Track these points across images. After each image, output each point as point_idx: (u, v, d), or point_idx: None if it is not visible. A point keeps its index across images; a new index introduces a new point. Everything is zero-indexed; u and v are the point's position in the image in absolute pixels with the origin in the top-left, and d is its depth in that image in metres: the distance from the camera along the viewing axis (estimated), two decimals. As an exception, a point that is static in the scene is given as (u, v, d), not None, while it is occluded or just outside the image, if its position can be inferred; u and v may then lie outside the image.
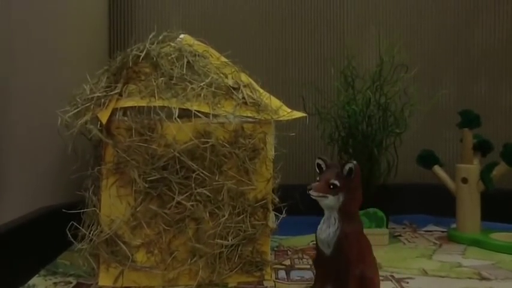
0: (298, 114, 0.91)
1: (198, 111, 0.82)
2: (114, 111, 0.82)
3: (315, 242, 0.77)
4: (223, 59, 0.94)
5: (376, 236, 1.09)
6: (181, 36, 0.96)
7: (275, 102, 0.91)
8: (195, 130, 0.82)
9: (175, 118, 0.81)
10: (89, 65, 0.91)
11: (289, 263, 0.95)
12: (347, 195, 0.72)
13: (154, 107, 0.82)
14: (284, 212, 0.88)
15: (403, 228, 1.26)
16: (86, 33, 1.19)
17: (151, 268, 0.82)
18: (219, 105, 0.84)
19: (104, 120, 0.80)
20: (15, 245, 0.84)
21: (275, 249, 1.05)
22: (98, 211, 0.83)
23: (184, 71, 0.86)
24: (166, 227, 0.82)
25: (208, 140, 0.82)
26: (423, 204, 1.35)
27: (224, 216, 0.82)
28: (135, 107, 0.82)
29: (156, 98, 0.82)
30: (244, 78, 0.91)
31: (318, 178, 0.74)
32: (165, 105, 0.82)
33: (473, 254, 1.03)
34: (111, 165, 0.82)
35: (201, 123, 0.82)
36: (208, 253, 0.82)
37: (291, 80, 1.41)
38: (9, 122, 0.86)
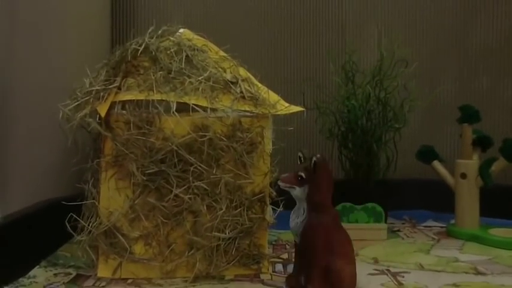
0: (295, 108, 0.91)
1: (196, 105, 0.83)
2: (113, 105, 0.83)
3: None
4: (222, 53, 0.94)
5: (375, 231, 1.10)
6: (181, 30, 0.96)
7: (273, 96, 0.91)
8: (193, 124, 0.83)
9: (173, 112, 0.81)
10: (91, 62, 0.92)
11: (287, 257, 0.96)
12: (312, 187, 0.75)
13: (153, 100, 0.83)
14: (281, 205, 0.88)
15: (402, 223, 1.26)
16: (88, 31, 1.20)
17: (149, 260, 0.83)
18: (217, 99, 0.85)
19: (103, 113, 0.81)
20: (17, 236, 0.85)
21: (273, 243, 1.05)
22: (97, 203, 0.84)
23: (183, 65, 0.86)
24: (164, 220, 0.83)
25: (206, 134, 0.82)
26: (422, 200, 1.35)
27: (221, 209, 0.83)
28: (134, 100, 0.83)
29: (155, 91, 0.83)
30: (243, 72, 0.91)
31: None
32: (164, 99, 0.82)
33: (471, 249, 1.03)
34: (110, 158, 0.83)
35: (199, 117, 0.83)
36: (205, 246, 0.83)
37: (291, 75, 1.42)
38: (10, 116, 0.87)
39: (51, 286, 0.80)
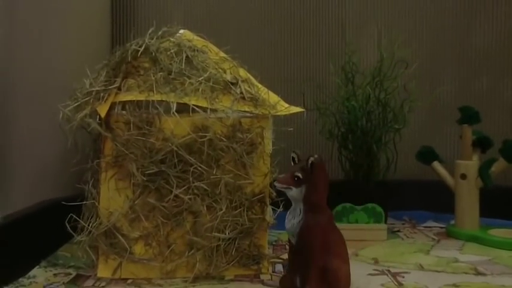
0: (295, 109, 0.91)
1: (196, 106, 0.83)
2: (113, 105, 0.83)
3: None
4: (222, 54, 0.95)
5: (374, 231, 1.10)
6: (181, 31, 0.97)
7: (273, 97, 0.91)
8: (193, 124, 0.83)
9: (173, 112, 0.82)
10: (91, 62, 0.92)
11: (287, 257, 0.96)
12: (309, 188, 0.74)
13: (153, 101, 0.83)
14: (281, 206, 0.88)
15: (403, 224, 1.26)
16: (88, 31, 1.20)
17: (149, 260, 0.84)
18: (217, 100, 0.85)
19: (103, 114, 0.81)
20: (17, 237, 0.85)
21: (273, 243, 1.05)
22: (97, 204, 0.84)
23: (183, 66, 0.87)
24: (164, 220, 0.83)
25: (206, 134, 0.83)
26: (422, 200, 1.35)
27: (221, 209, 0.83)
28: (134, 101, 0.83)
29: (155, 92, 0.83)
30: (243, 73, 0.91)
31: None
32: (164, 99, 0.83)
33: (470, 249, 1.03)
34: (110, 158, 0.84)
35: (199, 117, 0.83)
36: (205, 246, 0.83)
37: (291, 76, 1.42)
38: (10, 116, 0.87)
39: (51, 286, 0.80)
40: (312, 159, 0.74)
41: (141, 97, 0.83)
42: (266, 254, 0.87)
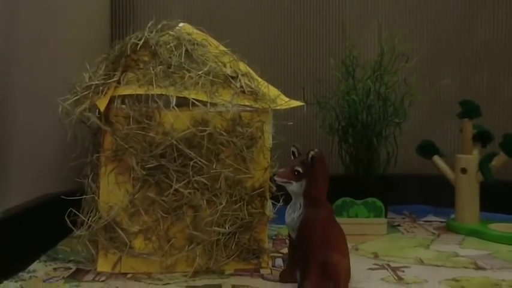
0: (295, 103, 0.91)
1: (196, 100, 0.83)
2: (112, 99, 0.83)
3: None
4: (222, 47, 0.94)
5: (375, 226, 1.10)
6: (181, 24, 0.96)
7: (273, 91, 0.91)
8: (192, 118, 0.83)
9: (173, 106, 0.81)
10: (91, 56, 0.91)
11: (287, 251, 0.96)
12: (309, 182, 0.74)
13: (153, 95, 0.83)
14: (281, 200, 0.88)
15: (403, 218, 1.26)
16: (88, 25, 1.19)
17: (149, 255, 0.83)
18: (216, 94, 0.84)
19: (102, 107, 0.81)
20: (17, 231, 0.85)
21: (273, 237, 1.05)
22: (96, 198, 0.84)
23: (183, 60, 0.86)
24: (164, 214, 0.83)
25: (206, 129, 0.82)
26: (423, 195, 1.35)
27: (221, 204, 0.83)
28: (134, 95, 0.83)
29: (154, 86, 0.83)
30: (243, 67, 0.91)
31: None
32: (163, 93, 0.82)
33: (470, 244, 1.03)
34: (109, 152, 0.83)
35: (199, 111, 0.83)
36: (205, 240, 0.83)
37: (292, 70, 1.41)
38: (10, 110, 0.87)
39: (50, 280, 0.80)
40: (312, 153, 0.73)
41: (141, 91, 0.83)
42: (266, 248, 0.87)
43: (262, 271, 0.85)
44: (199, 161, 0.82)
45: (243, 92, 0.86)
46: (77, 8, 1.13)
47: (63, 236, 1.00)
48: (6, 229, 0.82)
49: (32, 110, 0.93)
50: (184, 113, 0.82)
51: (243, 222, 0.85)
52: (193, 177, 0.82)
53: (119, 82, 0.84)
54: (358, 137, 1.16)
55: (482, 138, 1.16)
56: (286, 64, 1.41)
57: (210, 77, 0.85)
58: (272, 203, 0.89)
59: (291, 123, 0.94)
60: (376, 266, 0.88)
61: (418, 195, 1.36)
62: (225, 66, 0.89)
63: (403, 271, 0.85)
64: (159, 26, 0.91)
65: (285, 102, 0.89)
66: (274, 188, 0.89)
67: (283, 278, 0.80)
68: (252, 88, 0.87)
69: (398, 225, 1.18)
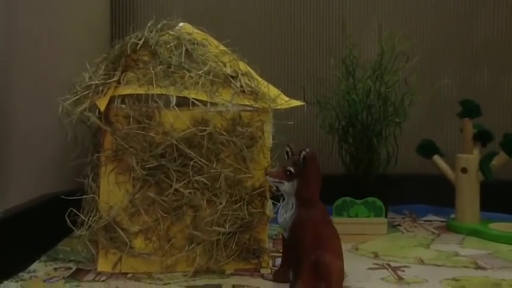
0: (296, 102, 0.91)
1: (196, 99, 0.83)
2: (112, 99, 0.83)
3: None
4: (222, 47, 0.94)
5: (375, 225, 1.10)
6: (181, 24, 0.96)
7: (273, 90, 0.91)
8: (192, 118, 0.83)
9: (173, 106, 0.81)
10: (91, 56, 0.91)
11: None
12: (301, 182, 0.74)
13: (153, 94, 0.82)
14: (281, 200, 0.88)
15: (403, 217, 1.26)
16: (88, 25, 1.19)
17: (149, 254, 0.83)
18: (216, 94, 0.84)
19: (102, 107, 0.81)
20: (17, 231, 0.85)
21: (274, 237, 1.05)
22: (96, 198, 0.84)
23: (183, 59, 0.86)
24: (164, 214, 0.83)
25: (206, 128, 0.82)
26: (423, 194, 1.35)
27: (221, 203, 0.83)
28: (134, 94, 0.83)
29: (154, 85, 0.83)
30: (243, 66, 0.91)
31: None
32: (163, 93, 0.82)
33: (471, 243, 1.03)
34: (109, 152, 0.83)
35: (199, 111, 0.83)
36: (205, 240, 0.83)
37: (292, 70, 1.41)
38: (10, 110, 0.87)
39: (51, 280, 0.80)
40: (304, 153, 0.73)
41: (141, 90, 0.83)
42: (266, 248, 0.87)
43: (262, 271, 0.85)
44: (200, 160, 0.82)
45: (243, 91, 0.86)
46: (77, 7, 1.13)
47: (64, 236, 1.00)
48: (6, 229, 0.82)
49: (32, 110, 0.93)
50: (184, 113, 0.82)
51: (243, 222, 0.85)
52: (193, 177, 0.82)
53: (118, 82, 0.84)
54: (358, 137, 1.17)
55: (482, 137, 1.16)
56: (286, 64, 1.41)
57: (210, 77, 0.85)
58: (272, 202, 0.89)
59: (291, 122, 0.94)
60: (376, 266, 0.88)
61: (418, 194, 1.36)
62: (225, 65, 0.89)
63: (403, 271, 0.85)
64: (159, 26, 0.91)
65: (285, 102, 0.89)
66: (274, 188, 0.89)
67: (277, 277, 0.80)
68: (252, 88, 0.87)
69: (399, 225, 1.18)
